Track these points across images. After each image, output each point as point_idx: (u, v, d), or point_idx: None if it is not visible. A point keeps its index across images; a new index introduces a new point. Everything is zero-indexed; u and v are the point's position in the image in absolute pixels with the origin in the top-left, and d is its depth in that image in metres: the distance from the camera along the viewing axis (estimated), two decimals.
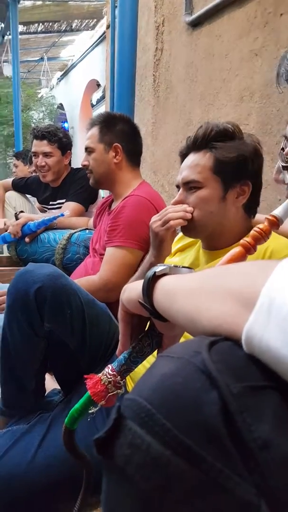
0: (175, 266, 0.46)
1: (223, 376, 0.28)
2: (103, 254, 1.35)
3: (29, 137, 2.08)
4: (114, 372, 0.49)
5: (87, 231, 1.70)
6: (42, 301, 0.81)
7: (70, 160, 2.04)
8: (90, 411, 0.49)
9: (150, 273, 0.45)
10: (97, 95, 6.95)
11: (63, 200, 1.99)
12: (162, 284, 0.43)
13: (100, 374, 0.50)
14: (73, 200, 1.92)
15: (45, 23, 6.05)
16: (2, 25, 5.60)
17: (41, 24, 6.05)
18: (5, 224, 1.78)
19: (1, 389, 0.93)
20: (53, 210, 2.07)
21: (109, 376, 0.49)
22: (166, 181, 2.34)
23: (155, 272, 0.44)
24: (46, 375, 1.01)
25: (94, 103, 7.15)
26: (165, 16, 2.29)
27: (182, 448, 0.26)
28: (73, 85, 7.29)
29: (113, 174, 1.40)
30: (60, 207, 2.00)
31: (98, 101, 6.95)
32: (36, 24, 6.03)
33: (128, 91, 1.82)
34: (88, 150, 1.43)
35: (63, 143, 1.93)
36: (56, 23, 6.13)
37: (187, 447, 0.26)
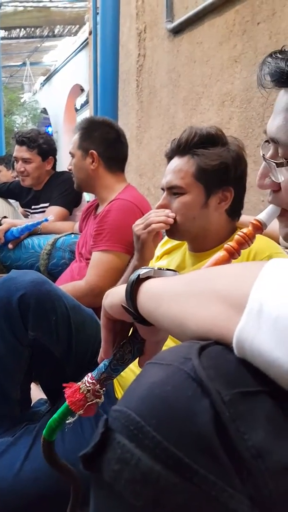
0: (159, 269, 0.45)
1: (214, 383, 0.27)
2: (89, 259, 1.34)
3: (12, 142, 2.06)
4: (93, 381, 0.47)
5: (73, 235, 1.68)
6: (26, 308, 0.79)
7: (55, 164, 2.03)
8: (67, 421, 0.47)
9: (133, 276, 0.43)
10: (81, 99, 6.94)
11: (46, 204, 1.97)
12: (147, 287, 0.42)
13: (79, 383, 0.48)
14: (57, 204, 1.90)
15: (27, 29, 6.03)
16: None
17: (23, 29, 6.02)
18: None
19: None
20: (35, 214, 2.05)
21: (88, 385, 0.47)
22: (152, 184, 2.35)
23: (139, 275, 0.43)
24: (31, 385, 0.98)
25: (78, 107, 7.14)
26: (147, 23, 2.32)
27: (173, 461, 0.25)
28: (57, 90, 7.27)
29: (93, 180, 1.40)
30: (43, 211, 1.98)
31: (82, 105, 6.94)
32: (18, 29, 6.00)
33: (111, 96, 1.84)
34: (71, 155, 1.44)
35: (43, 150, 1.90)
36: (38, 29, 6.12)
37: (178, 459, 0.25)
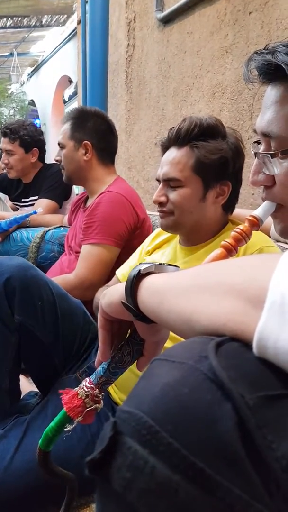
0: (161, 264, 0.43)
1: (236, 385, 0.25)
2: (79, 252, 1.33)
3: None
4: (92, 385, 0.45)
5: (62, 228, 1.67)
6: (12, 292, 0.81)
7: (44, 156, 1.99)
8: (66, 429, 0.45)
9: (134, 271, 0.42)
10: (69, 91, 6.85)
11: (36, 197, 1.95)
12: (149, 283, 0.40)
13: (77, 388, 0.46)
14: (46, 197, 1.88)
15: (14, 18, 5.90)
16: None
17: (9, 18, 5.89)
18: None
19: None
20: (25, 208, 2.03)
21: (86, 390, 0.45)
22: (141, 177, 2.33)
23: (139, 271, 0.41)
24: (21, 377, 0.98)
25: (67, 99, 7.05)
26: (136, 12, 2.28)
27: (193, 471, 0.23)
28: (45, 81, 7.16)
29: (84, 171, 1.38)
30: (33, 204, 1.96)
31: (71, 97, 6.85)
32: (5, 19, 5.87)
33: (100, 87, 1.81)
34: (60, 146, 1.41)
35: (25, 141, 1.88)
36: (26, 18, 6.00)
37: (199, 470, 0.23)
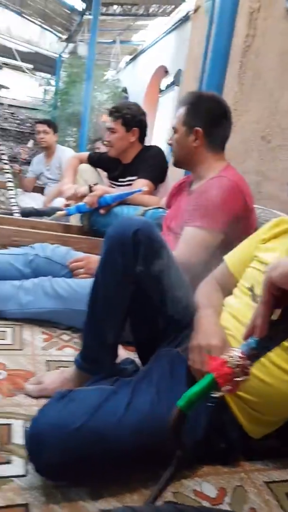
0: None
1: None
2: (179, 233, 1.34)
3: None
4: (244, 356, 0.44)
5: (161, 209, 1.69)
6: (138, 242, 0.86)
7: (144, 138, 2.01)
8: (212, 395, 0.44)
9: None
10: (166, 80, 6.89)
11: (134, 178, 1.98)
12: None
13: (225, 356, 0.45)
14: (146, 178, 1.90)
15: (124, 6, 6.05)
16: (84, 4, 5.66)
17: (120, 6, 6.05)
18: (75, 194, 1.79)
19: (84, 341, 0.95)
20: (121, 187, 2.08)
21: (238, 360, 0.44)
22: (240, 169, 2.28)
23: None
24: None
25: (163, 88, 7.10)
26: (262, 2, 2.21)
27: None
28: (140, 70, 7.28)
29: (193, 156, 1.38)
30: (129, 185, 2.00)
31: (168, 86, 6.90)
32: (115, 6, 6.04)
33: (218, 76, 1.79)
34: (174, 130, 1.43)
35: (127, 119, 1.90)
36: (134, 6, 6.11)
37: None
